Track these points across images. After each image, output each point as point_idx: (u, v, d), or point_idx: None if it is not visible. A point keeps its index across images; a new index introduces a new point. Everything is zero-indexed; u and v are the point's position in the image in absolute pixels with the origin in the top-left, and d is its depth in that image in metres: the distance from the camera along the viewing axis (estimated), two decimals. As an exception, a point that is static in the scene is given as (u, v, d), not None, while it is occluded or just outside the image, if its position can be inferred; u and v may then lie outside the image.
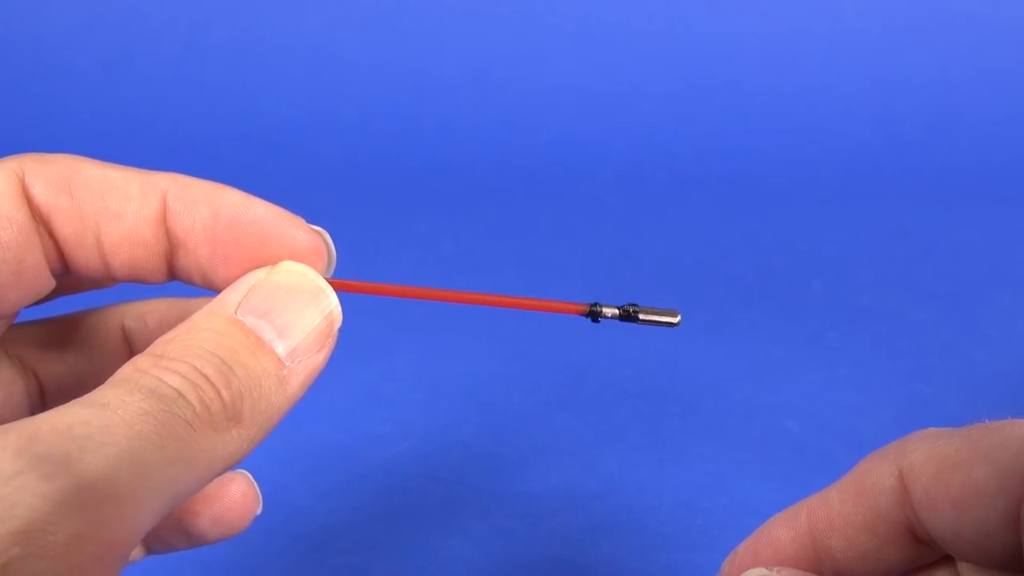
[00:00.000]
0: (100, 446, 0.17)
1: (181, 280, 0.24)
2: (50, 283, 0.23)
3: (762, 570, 0.24)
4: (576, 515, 0.47)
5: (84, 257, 0.23)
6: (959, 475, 0.21)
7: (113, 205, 0.23)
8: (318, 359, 0.22)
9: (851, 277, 0.73)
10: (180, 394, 0.19)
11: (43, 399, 0.26)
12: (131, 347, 0.27)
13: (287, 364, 0.21)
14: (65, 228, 0.23)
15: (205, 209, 0.23)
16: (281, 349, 0.21)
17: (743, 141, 0.95)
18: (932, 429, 0.23)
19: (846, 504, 0.24)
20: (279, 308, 0.22)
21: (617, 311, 0.25)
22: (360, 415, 0.54)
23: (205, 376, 0.20)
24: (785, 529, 0.25)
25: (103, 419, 0.18)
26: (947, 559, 0.25)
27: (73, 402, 0.18)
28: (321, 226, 0.24)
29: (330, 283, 0.23)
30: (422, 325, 0.62)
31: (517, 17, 1.00)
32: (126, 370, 0.19)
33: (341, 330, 0.23)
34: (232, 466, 0.20)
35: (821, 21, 1.00)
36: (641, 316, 0.25)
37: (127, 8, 1.01)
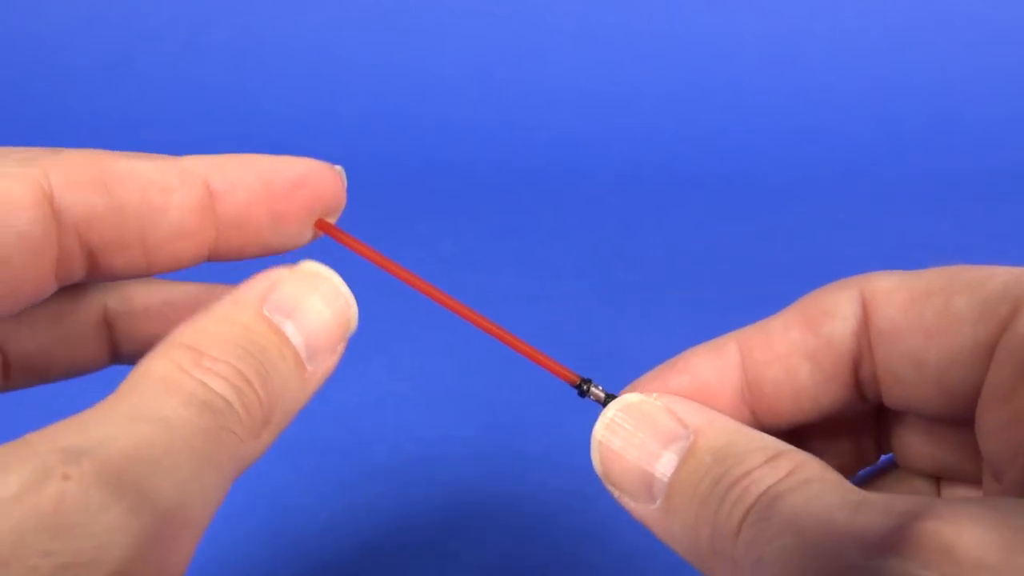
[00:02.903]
0: (169, 471, 0.17)
1: (216, 260, 0.23)
2: (48, 291, 0.22)
3: (637, 395, 0.23)
4: (577, 515, 0.47)
5: (125, 258, 0.22)
6: (935, 302, 0.21)
7: (156, 199, 0.21)
8: (332, 361, 0.22)
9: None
10: (229, 404, 0.19)
11: (6, 374, 0.25)
12: (112, 329, 0.26)
13: (308, 367, 0.21)
14: (105, 233, 0.21)
15: (254, 181, 0.22)
16: (304, 351, 0.21)
17: (743, 141, 0.95)
18: (891, 270, 0.23)
19: (792, 331, 0.23)
20: (303, 308, 0.21)
21: (603, 396, 0.24)
22: (361, 416, 0.54)
23: (248, 381, 0.19)
24: (708, 358, 0.23)
25: (166, 438, 0.17)
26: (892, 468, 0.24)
27: (125, 412, 0.18)
28: None
29: (344, 239, 0.23)
30: (424, 325, 0.62)
31: (517, 17, 1.00)
32: (166, 366, 0.19)
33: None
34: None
35: (821, 21, 1.00)
36: None
37: (127, 8, 1.01)
